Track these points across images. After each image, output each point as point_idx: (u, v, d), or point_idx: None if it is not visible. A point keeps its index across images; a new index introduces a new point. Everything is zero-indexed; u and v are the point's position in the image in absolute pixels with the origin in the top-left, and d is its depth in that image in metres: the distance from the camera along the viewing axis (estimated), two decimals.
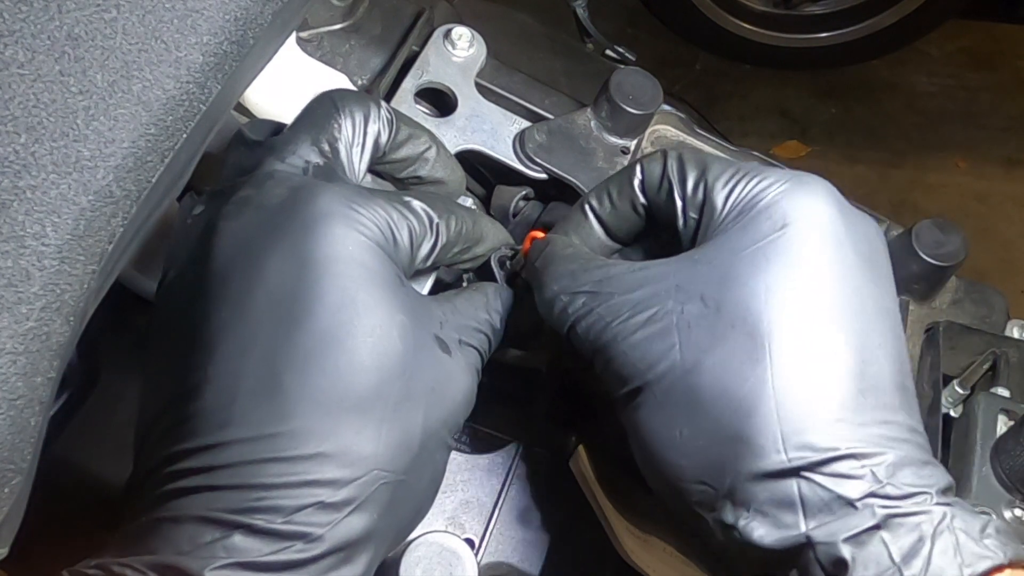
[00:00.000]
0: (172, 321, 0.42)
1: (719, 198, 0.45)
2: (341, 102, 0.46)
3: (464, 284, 0.54)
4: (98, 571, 0.35)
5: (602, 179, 0.64)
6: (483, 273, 0.52)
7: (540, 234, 0.51)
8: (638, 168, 0.49)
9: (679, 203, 0.47)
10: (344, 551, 0.38)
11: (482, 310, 0.48)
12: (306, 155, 0.44)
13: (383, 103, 0.48)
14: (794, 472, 0.39)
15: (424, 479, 0.42)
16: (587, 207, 0.52)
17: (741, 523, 0.40)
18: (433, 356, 0.42)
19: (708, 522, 0.42)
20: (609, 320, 0.44)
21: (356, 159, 0.46)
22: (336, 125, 0.45)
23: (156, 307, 0.43)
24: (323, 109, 0.46)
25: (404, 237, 0.43)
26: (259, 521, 0.36)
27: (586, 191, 0.63)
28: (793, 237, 0.43)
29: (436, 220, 0.45)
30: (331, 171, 0.44)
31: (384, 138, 0.47)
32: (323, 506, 0.37)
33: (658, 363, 0.42)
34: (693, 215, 0.47)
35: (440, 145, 0.51)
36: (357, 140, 0.46)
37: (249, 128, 0.46)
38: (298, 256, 0.39)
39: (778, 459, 0.39)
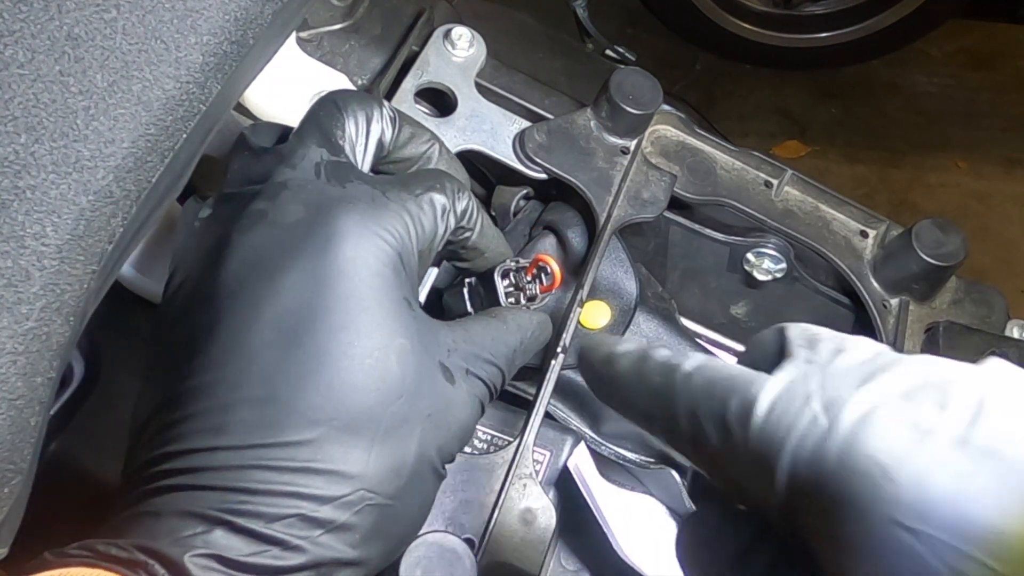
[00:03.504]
0: (176, 324, 0.42)
1: None
2: (344, 103, 0.46)
3: (465, 289, 0.53)
4: (82, 551, 0.35)
5: (602, 179, 0.65)
6: (485, 282, 0.52)
7: (547, 258, 0.51)
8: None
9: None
10: (322, 567, 0.37)
11: (500, 342, 0.46)
12: (315, 158, 0.43)
13: (386, 103, 0.48)
14: None
15: (413, 506, 0.42)
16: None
17: None
18: (434, 383, 0.42)
19: None
20: None
21: (360, 159, 0.46)
22: (340, 126, 0.45)
23: (161, 308, 0.44)
24: (327, 111, 0.45)
25: (415, 246, 0.43)
26: (240, 521, 0.36)
27: (586, 191, 0.64)
28: None
29: (447, 209, 0.45)
30: (343, 166, 0.44)
31: (388, 138, 0.47)
32: (304, 519, 0.37)
33: None
34: None
35: (442, 145, 0.51)
36: (360, 140, 0.46)
37: (253, 133, 0.46)
38: (309, 277, 0.39)
39: None
